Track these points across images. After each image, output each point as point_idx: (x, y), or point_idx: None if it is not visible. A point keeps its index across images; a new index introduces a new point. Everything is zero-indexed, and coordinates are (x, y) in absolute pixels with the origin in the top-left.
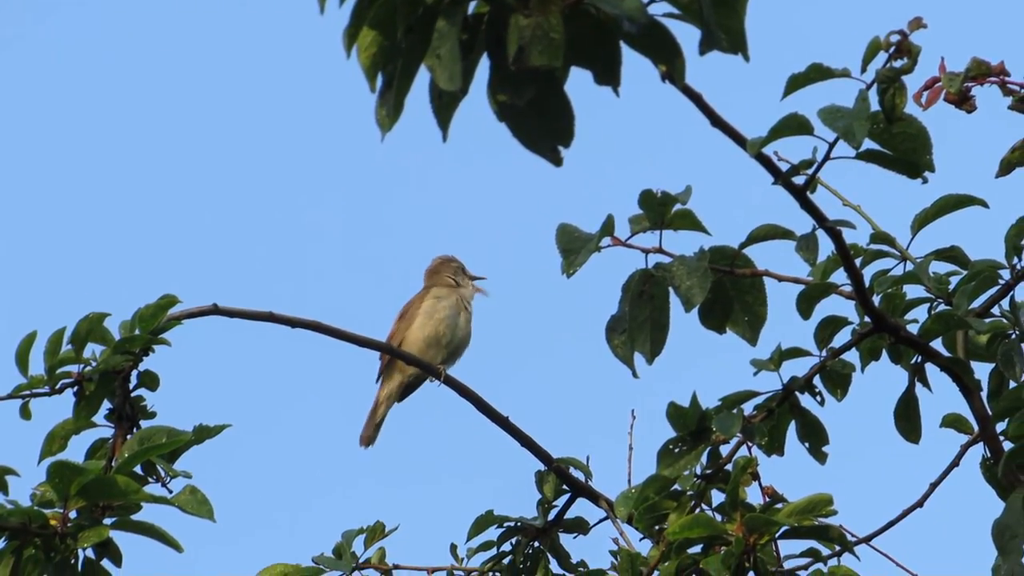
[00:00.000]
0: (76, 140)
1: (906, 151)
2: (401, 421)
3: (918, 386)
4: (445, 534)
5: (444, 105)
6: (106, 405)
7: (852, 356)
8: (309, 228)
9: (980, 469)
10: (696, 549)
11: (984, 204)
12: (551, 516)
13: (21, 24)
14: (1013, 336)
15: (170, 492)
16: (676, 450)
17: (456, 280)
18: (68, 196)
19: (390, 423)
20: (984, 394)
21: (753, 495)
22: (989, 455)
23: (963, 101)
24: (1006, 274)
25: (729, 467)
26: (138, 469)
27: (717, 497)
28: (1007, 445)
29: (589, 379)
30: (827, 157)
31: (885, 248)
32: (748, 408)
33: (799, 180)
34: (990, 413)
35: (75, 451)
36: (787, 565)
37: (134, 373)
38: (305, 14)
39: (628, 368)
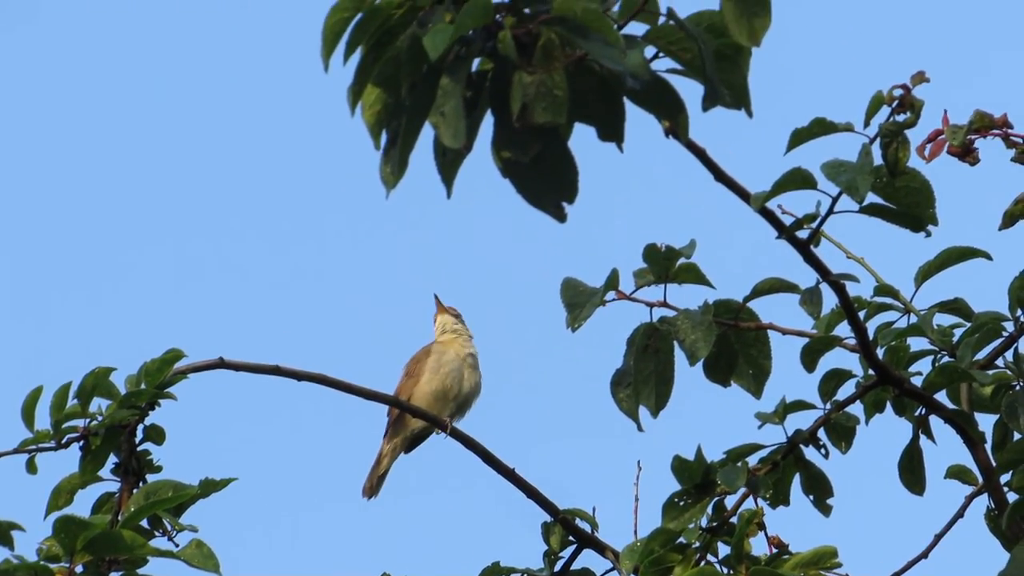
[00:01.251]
0: (84, 193)
1: (909, 205)
2: (407, 472)
3: (922, 438)
4: None
5: (448, 162)
6: (112, 459)
7: (856, 409)
8: (315, 281)
9: (984, 520)
10: None
11: (988, 256)
12: (557, 567)
13: (15, 33)
14: (1017, 388)
15: (176, 546)
16: (681, 503)
17: (443, 333)
18: (74, 249)
19: (396, 474)
20: (988, 446)
21: (759, 547)
22: (993, 506)
23: (966, 154)
24: (1010, 326)
25: (734, 519)
26: (144, 523)
27: (723, 550)
28: (1011, 496)
29: (595, 432)
30: (830, 211)
31: (889, 301)
32: (753, 461)
33: (803, 234)
34: (994, 464)
35: (81, 505)
36: None
37: (140, 427)
38: (310, 72)
39: (633, 421)
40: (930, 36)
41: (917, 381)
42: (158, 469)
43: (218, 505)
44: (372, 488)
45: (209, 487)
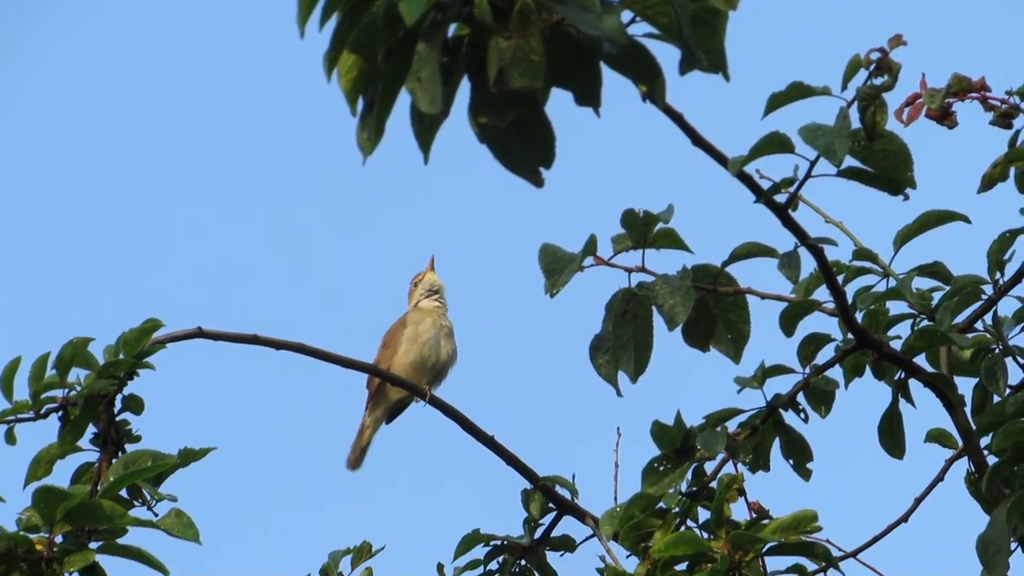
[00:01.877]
0: (59, 161)
1: (887, 168)
2: (387, 441)
3: (902, 402)
4: (432, 553)
5: (425, 128)
6: (91, 429)
7: (836, 373)
8: (294, 249)
9: (965, 483)
10: (682, 566)
11: (966, 220)
12: (537, 534)
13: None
14: (996, 351)
15: (156, 515)
16: (661, 468)
17: (416, 299)
18: (51, 221)
19: (377, 442)
20: (968, 409)
21: (739, 511)
22: (973, 469)
23: (944, 117)
24: (989, 289)
25: (714, 484)
26: (124, 493)
27: (702, 514)
28: (991, 459)
29: (574, 398)
30: (808, 175)
31: (868, 265)
32: (732, 426)
33: (781, 198)
34: (974, 428)
35: (60, 476)
36: None
37: (119, 397)
38: (286, 38)
39: (612, 387)
40: (907, 2)
41: (896, 345)
42: (137, 439)
43: (197, 475)
44: (356, 460)
45: (188, 457)
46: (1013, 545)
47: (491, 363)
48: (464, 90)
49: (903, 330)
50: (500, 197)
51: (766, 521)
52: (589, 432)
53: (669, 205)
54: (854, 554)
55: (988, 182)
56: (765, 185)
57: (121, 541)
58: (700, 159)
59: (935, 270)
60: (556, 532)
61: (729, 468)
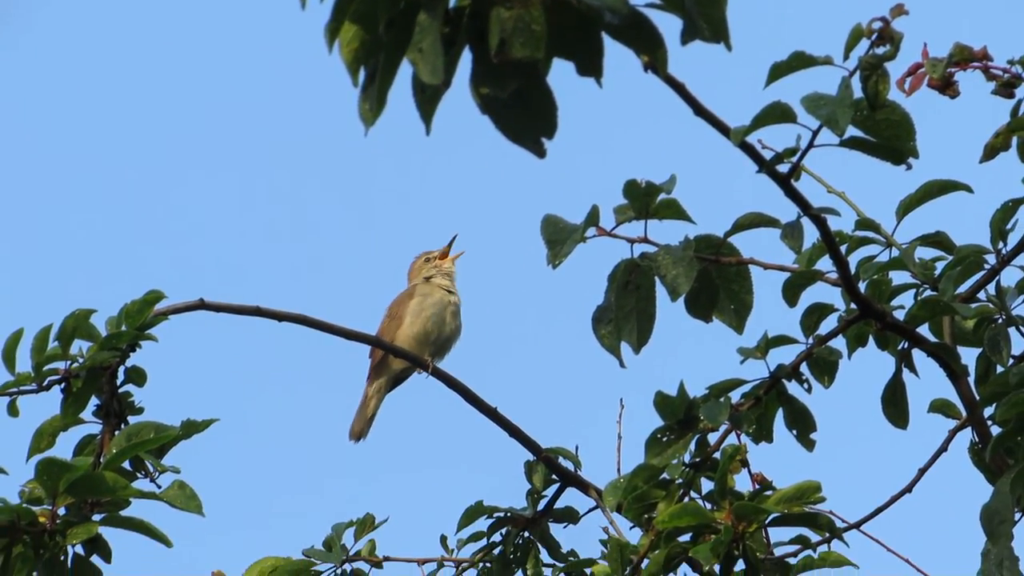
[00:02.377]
0: (59, 135)
1: (890, 137)
2: (389, 413)
3: (905, 372)
4: (435, 525)
5: (427, 99)
6: (94, 401)
7: (839, 343)
8: (295, 222)
9: (968, 454)
10: (686, 537)
11: (969, 189)
12: (541, 506)
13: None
14: (999, 321)
15: (159, 487)
16: (664, 439)
17: (428, 274)
18: (52, 192)
19: (379, 414)
20: (971, 379)
21: (742, 482)
22: (977, 440)
23: (946, 87)
24: (991, 259)
25: (717, 455)
26: (126, 465)
27: (706, 485)
28: (995, 430)
29: (577, 369)
30: (811, 145)
31: (870, 235)
32: (736, 396)
33: (783, 168)
34: (977, 398)
35: (63, 448)
36: (777, 552)
37: (121, 369)
38: (287, 9)
39: (615, 358)
40: None
41: (899, 315)
42: (140, 411)
43: (200, 446)
44: (360, 431)
45: (191, 428)
46: (1017, 515)
47: (493, 334)
48: (466, 61)
49: (906, 300)
50: (502, 168)
51: (769, 492)
52: (592, 403)
53: (671, 175)
54: (858, 525)
55: (990, 152)
56: (767, 155)
57: (124, 513)
58: (702, 129)
59: (938, 240)
60: (559, 504)
61: (732, 439)
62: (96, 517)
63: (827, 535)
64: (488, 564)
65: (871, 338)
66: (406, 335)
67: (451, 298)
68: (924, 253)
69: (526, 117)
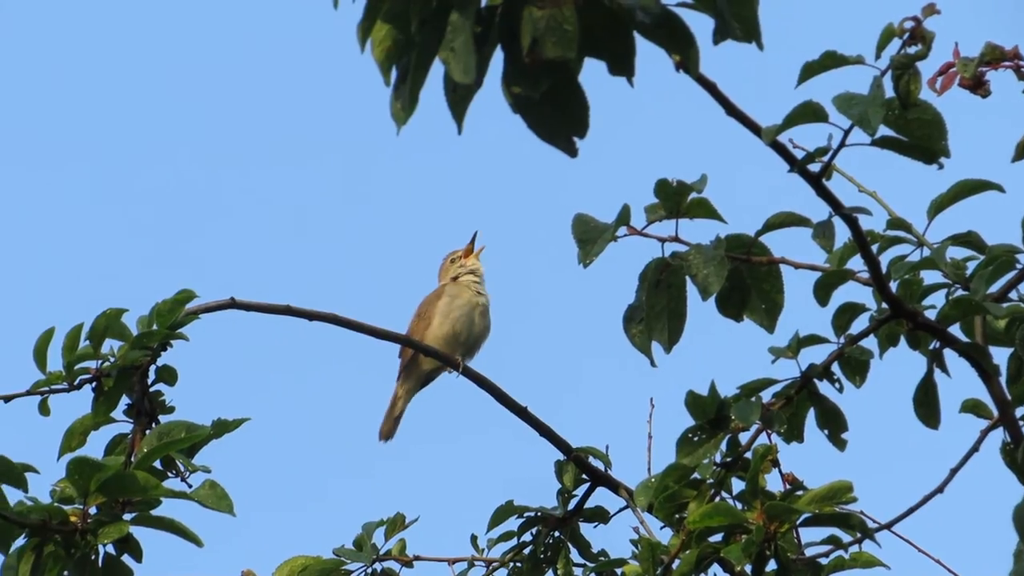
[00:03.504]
0: (92, 133)
1: (921, 137)
2: (419, 412)
3: (936, 372)
4: (465, 525)
5: (459, 98)
6: (124, 401)
7: (870, 343)
8: (326, 221)
9: (1000, 454)
10: (717, 537)
11: (1000, 189)
12: (571, 506)
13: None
14: None
15: (190, 487)
16: (695, 439)
17: (455, 274)
18: (85, 192)
19: (409, 414)
20: (1003, 379)
21: (773, 482)
22: (1009, 440)
23: (978, 86)
24: (1023, 258)
25: (748, 455)
26: (157, 464)
27: (737, 485)
28: None
29: (607, 369)
30: (842, 144)
31: (902, 234)
32: (767, 396)
33: (815, 167)
34: (1009, 398)
35: (94, 447)
36: (808, 552)
37: (152, 368)
38: (319, 9)
39: (646, 357)
40: None
41: (931, 314)
42: (171, 410)
43: (231, 446)
44: (389, 431)
45: (222, 428)
46: None
47: (524, 333)
48: (497, 60)
49: (937, 300)
50: (534, 167)
51: (801, 492)
52: (622, 402)
53: (703, 175)
54: (889, 525)
55: (1022, 151)
56: (799, 154)
57: (155, 512)
58: (734, 128)
59: (969, 239)
60: (590, 503)
61: (764, 439)
62: (127, 516)
63: (859, 535)
64: (519, 564)
65: (902, 338)
66: (435, 335)
67: (480, 299)
68: (955, 253)
69: (558, 116)
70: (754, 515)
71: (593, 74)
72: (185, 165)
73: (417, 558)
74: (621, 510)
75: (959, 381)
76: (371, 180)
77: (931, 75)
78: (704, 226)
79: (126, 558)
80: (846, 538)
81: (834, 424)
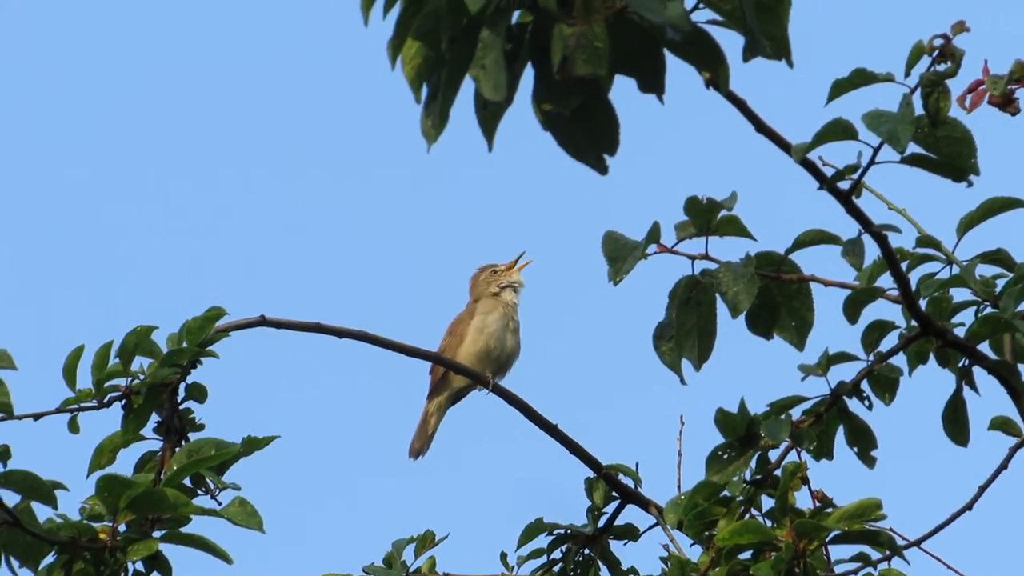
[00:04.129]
0: (129, 154)
1: (951, 155)
2: (449, 429)
3: (966, 389)
4: (495, 542)
5: (489, 115)
6: (154, 418)
7: (899, 360)
8: (357, 239)
9: None
10: (746, 555)
11: None
12: (601, 523)
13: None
14: None
15: (219, 504)
16: (725, 456)
17: (496, 289)
18: (115, 210)
19: (440, 431)
20: None
21: (803, 500)
22: None
23: (1007, 103)
24: None
25: (778, 472)
26: (187, 482)
27: (767, 503)
28: None
29: (637, 386)
30: (872, 162)
31: (931, 252)
32: (796, 413)
33: (844, 185)
34: None
35: (124, 464)
36: (837, 570)
37: (182, 386)
38: (350, 26)
39: (676, 375)
40: None
41: (960, 332)
42: (200, 427)
43: (261, 463)
44: (420, 448)
45: (252, 445)
46: None
47: (554, 350)
48: (528, 77)
49: (967, 317)
50: (564, 184)
51: (830, 509)
52: (652, 420)
53: (732, 192)
54: (918, 543)
55: None
56: (829, 172)
57: (184, 530)
58: (764, 146)
59: (999, 257)
60: (620, 521)
61: (793, 456)
62: (157, 534)
63: (888, 553)
64: None
65: (932, 355)
66: (467, 352)
67: (512, 316)
68: (985, 270)
69: (588, 134)
70: (783, 532)
71: (623, 91)
72: (218, 183)
73: (447, 575)
74: (651, 527)
75: (988, 399)
76: (402, 197)
77: (960, 92)
78: (734, 244)
79: (155, 575)
80: (875, 555)
81: (863, 441)
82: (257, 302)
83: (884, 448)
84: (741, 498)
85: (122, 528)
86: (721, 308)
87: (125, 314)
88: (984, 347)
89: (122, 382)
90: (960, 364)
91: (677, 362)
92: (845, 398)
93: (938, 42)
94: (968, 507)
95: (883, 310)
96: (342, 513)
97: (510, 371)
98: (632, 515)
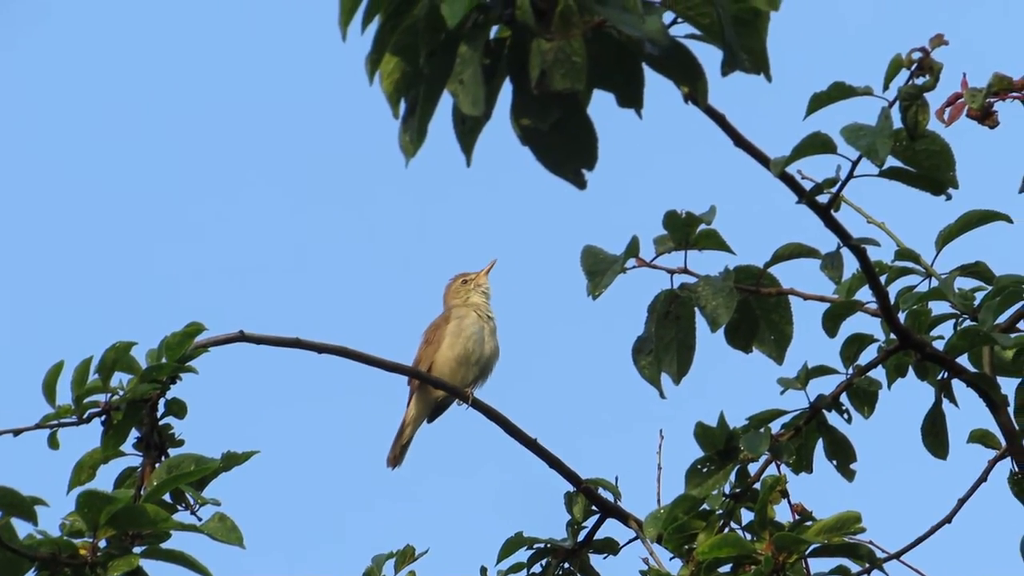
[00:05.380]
0: (98, 170)
1: (929, 168)
2: (429, 443)
3: (945, 402)
4: (475, 556)
5: (468, 130)
6: (134, 434)
7: (878, 373)
8: (337, 254)
9: (1008, 484)
10: (726, 568)
11: (1008, 219)
12: (581, 537)
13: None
14: None
15: (199, 520)
16: (704, 470)
17: (467, 296)
18: (92, 225)
19: (418, 445)
20: (1011, 409)
21: (782, 513)
22: (1017, 470)
23: (986, 117)
24: None
25: (757, 486)
26: (167, 497)
27: (746, 516)
28: None
29: (616, 400)
30: (851, 175)
31: (910, 265)
32: (776, 427)
33: (823, 199)
34: (1017, 428)
35: (104, 480)
36: None
37: (161, 401)
38: (327, 41)
39: (655, 389)
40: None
41: (939, 345)
42: (180, 443)
43: (241, 478)
44: (396, 458)
45: (231, 461)
46: None
47: (533, 365)
48: (506, 92)
49: (946, 330)
50: (542, 198)
51: (810, 523)
52: (631, 434)
53: (711, 206)
54: (898, 555)
55: None
56: (807, 186)
57: (165, 546)
58: (742, 160)
59: (977, 270)
60: (599, 535)
61: (772, 469)
62: (137, 549)
63: (867, 566)
64: None
65: (911, 368)
66: (446, 357)
67: (487, 321)
68: (963, 283)
69: (566, 148)
70: (763, 546)
71: (602, 106)
72: (193, 197)
73: None
74: (631, 541)
75: (967, 411)
76: (379, 212)
77: (939, 106)
78: (713, 257)
79: None
80: (855, 568)
81: (843, 455)
82: (236, 318)
83: (863, 461)
84: (721, 511)
85: (102, 544)
86: (700, 322)
87: (104, 330)
88: (963, 360)
89: (102, 398)
90: (939, 377)
91: (656, 376)
92: (824, 411)
93: (916, 55)
94: (948, 520)
95: (862, 323)
96: (322, 528)
97: (491, 374)
98: (612, 529)
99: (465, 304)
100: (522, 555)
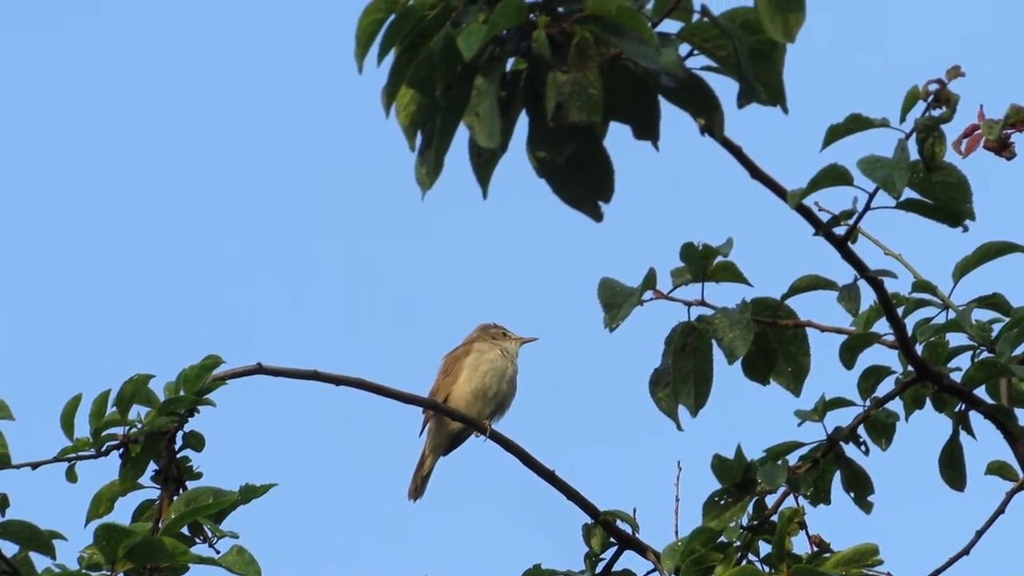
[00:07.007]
0: (120, 204)
1: (946, 200)
2: (447, 476)
3: (962, 434)
4: None
5: (484, 162)
6: (152, 467)
7: (896, 405)
8: (353, 286)
9: None
10: None
11: None
12: (599, 569)
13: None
14: None
15: (217, 553)
16: (722, 502)
17: (495, 341)
18: (110, 259)
19: (437, 478)
20: None
21: (800, 545)
22: None
23: (1003, 148)
24: None
25: (775, 518)
26: (185, 530)
27: (764, 548)
28: None
29: (634, 432)
30: (867, 207)
31: (927, 297)
32: (793, 459)
33: (840, 231)
34: None
35: (122, 513)
36: None
37: (179, 434)
38: (344, 74)
39: (673, 421)
40: (964, 33)
41: (956, 377)
42: (198, 476)
43: (259, 511)
44: (417, 490)
45: (249, 493)
46: None
47: (550, 397)
48: (522, 124)
49: (963, 362)
50: (559, 231)
51: (827, 555)
52: (649, 466)
53: (728, 238)
54: None
55: None
56: (824, 218)
57: None
58: (759, 192)
59: (994, 302)
60: (617, 567)
61: (790, 501)
62: None
63: None
64: None
65: (928, 400)
66: (463, 390)
67: (510, 357)
68: (981, 315)
69: (583, 181)
70: None
71: (618, 138)
72: (211, 230)
73: None
74: (648, 573)
75: (984, 443)
76: (396, 244)
77: (956, 137)
78: (730, 289)
79: None
80: None
81: (860, 487)
82: (253, 350)
83: (881, 493)
84: (738, 544)
85: None
86: (717, 354)
87: (122, 363)
88: (981, 392)
89: (120, 431)
90: (957, 409)
91: (674, 408)
92: (842, 443)
93: (933, 87)
94: (965, 552)
95: (879, 355)
96: (341, 560)
97: (508, 410)
98: (630, 561)
99: (492, 341)
100: None
